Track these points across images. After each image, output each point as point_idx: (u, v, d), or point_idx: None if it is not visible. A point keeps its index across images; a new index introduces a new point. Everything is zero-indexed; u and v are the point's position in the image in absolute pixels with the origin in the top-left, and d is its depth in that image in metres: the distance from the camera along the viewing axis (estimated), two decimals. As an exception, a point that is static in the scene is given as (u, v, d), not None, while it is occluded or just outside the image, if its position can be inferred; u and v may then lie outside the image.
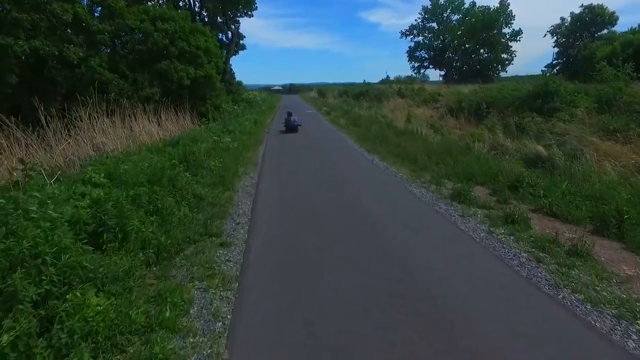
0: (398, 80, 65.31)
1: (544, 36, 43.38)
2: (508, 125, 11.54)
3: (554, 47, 42.57)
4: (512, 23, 52.16)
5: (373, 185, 7.93)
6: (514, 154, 9.03)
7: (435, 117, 17.73)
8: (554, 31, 41.54)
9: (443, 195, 6.82)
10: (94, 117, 11.17)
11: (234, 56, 29.93)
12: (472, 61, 58.19)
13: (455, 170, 7.85)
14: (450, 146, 9.94)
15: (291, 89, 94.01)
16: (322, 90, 53.02)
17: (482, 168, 7.78)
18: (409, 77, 68.81)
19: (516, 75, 50.48)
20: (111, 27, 16.10)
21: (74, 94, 13.26)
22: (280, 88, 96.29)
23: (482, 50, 56.75)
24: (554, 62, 42.40)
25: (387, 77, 69.31)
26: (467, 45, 57.34)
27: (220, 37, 28.59)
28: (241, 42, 29.64)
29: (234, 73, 32.08)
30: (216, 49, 21.05)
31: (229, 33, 28.51)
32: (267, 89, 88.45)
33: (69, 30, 14.58)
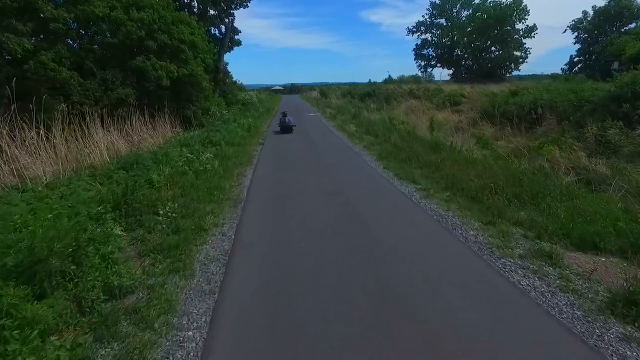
0: (402, 79, 62.72)
1: (564, 32, 40.23)
2: (583, 138, 8.56)
3: (574, 43, 39.54)
4: (527, 18, 49.16)
5: (444, 270, 4.06)
6: (619, 185, 6.04)
7: (464, 123, 14.77)
8: (575, 26, 38.51)
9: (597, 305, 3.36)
10: (23, 129, 8.21)
11: (228, 53, 27.01)
12: (483, 59, 55.10)
13: (554, 226, 4.80)
14: (514, 172, 6.93)
15: (292, 89, 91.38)
16: (325, 90, 50.03)
17: (597, 219, 4.79)
18: (414, 77, 66.02)
19: (533, 75, 47.54)
20: (70, 14, 13.19)
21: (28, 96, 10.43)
22: (280, 88, 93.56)
23: (493, 48, 53.65)
24: (574, 59, 39.33)
25: (390, 76, 66.87)
26: (477, 43, 54.26)
27: (212, 31, 25.66)
28: (236, 37, 26.69)
29: (229, 72, 29.16)
30: (204, 43, 18.09)
31: (222, 27, 25.56)
32: (268, 88, 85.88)
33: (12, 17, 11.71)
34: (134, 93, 15.13)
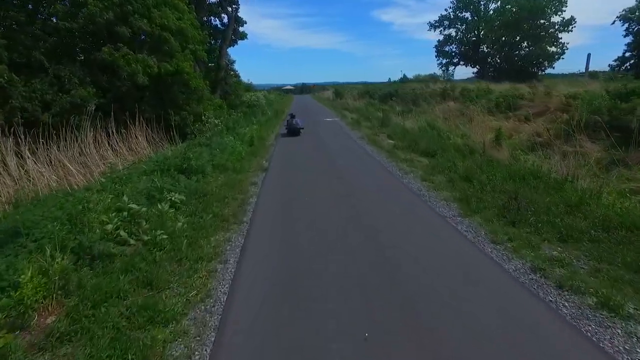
0: (418, 78, 58.53)
1: (613, 23, 35.35)
2: None
3: (624, 36, 34.68)
4: (564, 10, 44.32)
5: None
6: None
7: (544, 137, 10.68)
8: (626, 17, 33.72)
9: None
10: None
11: (231, 47, 23.31)
12: (513, 56, 50.36)
13: None
14: None
15: (303, 89, 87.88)
16: (340, 90, 45.98)
17: None
18: (432, 76, 61.80)
19: (573, 73, 42.65)
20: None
21: None
22: (291, 87, 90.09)
23: (524, 44, 48.87)
24: (626, 54, 34.49)
25: (405, 76, 63.23)
26: (505, 38, 49.60)
27: (213, 22, 22.00)
28: (241, 29, 22.98)
29: (235, 70, 25.50)
30: (195, 32, 14.33)
31: (225, 17, 21.89)
32: (279, 88, 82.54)
33: None
34: (97, 95, 11.45)
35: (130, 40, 12.11)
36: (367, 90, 40.98)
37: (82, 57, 11.92)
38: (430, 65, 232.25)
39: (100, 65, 11.88)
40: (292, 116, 15.91)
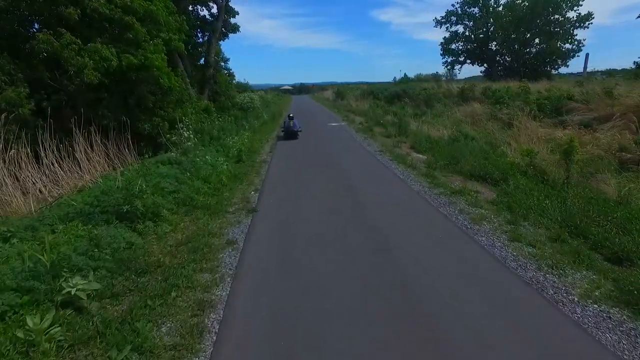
0: (420, 78, 56.05)
1: (638, 17, 32.68)
2: None
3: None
4: (581, 4, 41.61)
5: None
6: None
7: (634, 153, 7.91)
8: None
9: None
10: None
11: (222, 41, 20.48)
12: (523, 54, 47.69)
13: None
14: None
15: (302, 89, 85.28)
16: (341, 90, 43.13)
17: None
18: (434, 75, 59.36)
19: (592, 71, 39.96)
20: None
21: None
22: (290, 88, 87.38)
23: (536, 41, 46.15)
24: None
25: (406, 75, 61.24)
26: (515, 35, 46.91)
27: (200, 12, 19.13)
28: (233, 21, 20.11)
29: (228, 68, 22.70)
30: (170, 18, 11.51)
31: (214, 6, 18.99)
32: (277, 88, 79.85)
33: None
34: (41, 97, 8.66)
35: (80, 25, 9.29)
36: (371, 91, 38.18)
37: (10, 47, 9.05)
38: (429, 65, 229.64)
39: (45, 58, 9.07)
40: (290, 117, 14.55)
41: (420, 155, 9.75)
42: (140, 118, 10.88)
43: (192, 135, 10.31)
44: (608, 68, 38.88)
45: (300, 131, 14.08)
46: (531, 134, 11.23)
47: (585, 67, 46.62)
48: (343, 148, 11.60)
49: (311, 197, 6.54)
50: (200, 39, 19.75)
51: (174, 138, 10.03)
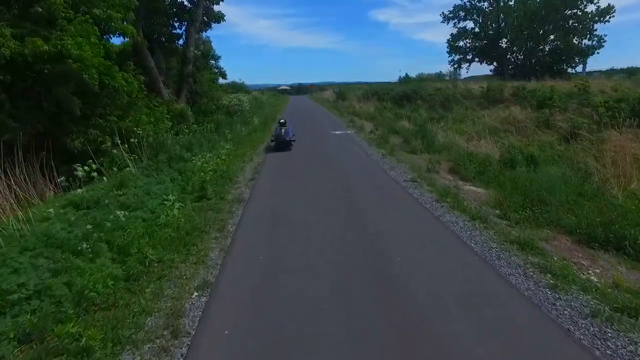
0: (422, 77, 53.42)
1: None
2: None
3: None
4: (601, -2, 38.50)
5: None
6: None
7: None
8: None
9: None
10: None
11: (204, 32, 17.25)
12: (537, 51, 44.59)
13: None
14: None
15: (299, 89, 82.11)
16: (342, 90, 39.84)
17: None
18: (438, 75, 56.84)
19: (612, 69, 36.99)
20: None
21: None
22: (287, 88, 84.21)
23: (551, 37, 42.97)
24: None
25: (407, 75, 59.09)
26: (527, 31, 43.80)
27: (176, -3, 15.83)
28: (217, 8, 16.81)
29: (217, 65, 19.50)
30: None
31: (193, -9, 15.72)
32: (274, 89, 76.77)
33: None
34: None
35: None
36: (375, 91, 34.95)
37: None
38: (427, 65, 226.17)
39: None
40: (282, 124, 12.22)
41: (475, 189, 6.51)
42: (70, 130, 7.65)
43: (138, 156, 7.06)
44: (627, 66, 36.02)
45: (294, 140, 11.59)
46: (618, 149, 8.03)
47: (584, 68, 44.00)
48: (355, 173, 8.23)
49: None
50: (178, 30, 16.50)
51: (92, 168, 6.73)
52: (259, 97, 34.73)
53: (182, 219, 5.22)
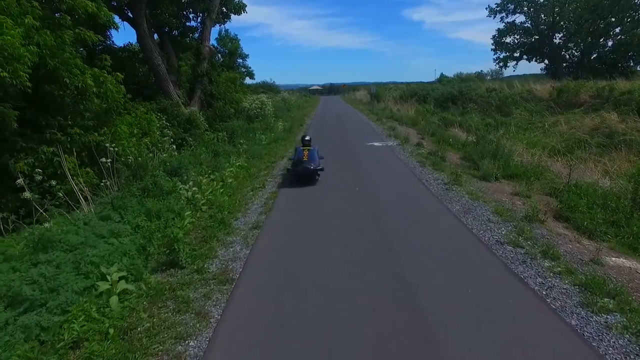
0: (461, 77, 49.44)
1: None
2: None
3: None
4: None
5: None
6: None
7: None
8: None
9: None
10: None
11: (222, 24, 15.19)
12: (598, 46, 39.63)
13: None
14: None
15: (331, 89, 79.81)
16: (378, 91, 36.60)
17: None
18: (478, 74, 52.80)
19: None
20: None
21: None
22: (319, 88, 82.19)
23: (616, 30, 37.93)
24: None
25: (442, 74, 55.40)
26: (585, 25, 38.95)
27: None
28: (236, -1, 14.63)
29: (245, 65, 17.45)
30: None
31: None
32: (306, 89, 75.05)
33: None
34: None
35: None
36: (414, 91, 31.77)
37: None
38: (463, 65, 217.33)
39: None
40: (306, 142, 8.34)
41: (628, 264, 3.73)
42: (17, 147, 5.57)
43: (109, 184, 4.86)
44: None
45: (321, 169, 7.69)
46: None
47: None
48: (411, 224, 5.11)
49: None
50: (193, 22, 14.47)
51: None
52: (286, 98, 32.51)
53: (111, 331, 2.86)
